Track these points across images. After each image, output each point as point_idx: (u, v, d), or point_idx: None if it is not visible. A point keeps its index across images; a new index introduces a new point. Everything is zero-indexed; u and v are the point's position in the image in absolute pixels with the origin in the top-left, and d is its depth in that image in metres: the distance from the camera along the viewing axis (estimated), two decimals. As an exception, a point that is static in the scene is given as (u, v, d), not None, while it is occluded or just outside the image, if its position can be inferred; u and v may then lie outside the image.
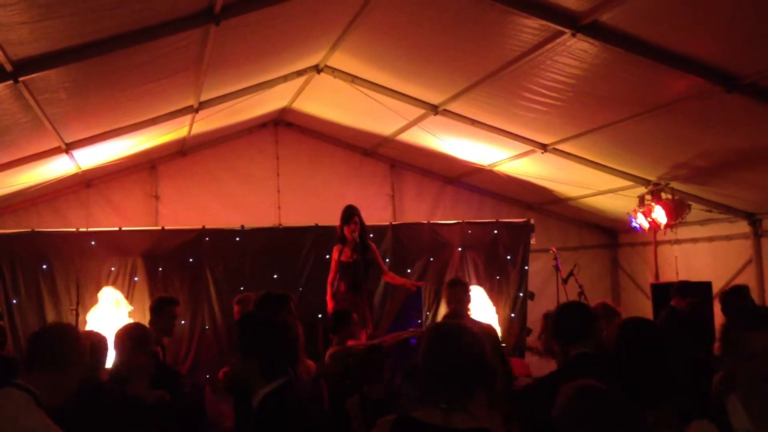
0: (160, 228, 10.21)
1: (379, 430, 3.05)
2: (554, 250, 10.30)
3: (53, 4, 4.60)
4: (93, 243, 9.61)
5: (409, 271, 10.65)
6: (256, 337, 3.66)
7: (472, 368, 2.99)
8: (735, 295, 7.38)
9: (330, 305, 8.66)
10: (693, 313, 7.67)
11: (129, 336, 5.01)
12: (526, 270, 11.03)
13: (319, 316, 9.68)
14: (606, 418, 3.16)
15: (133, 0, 5.08)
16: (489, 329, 6.71)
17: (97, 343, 5.07)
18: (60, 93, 6.21)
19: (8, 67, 5.17)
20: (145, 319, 9.25)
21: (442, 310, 9.19)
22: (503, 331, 10.58)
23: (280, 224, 10.82)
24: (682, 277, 9.89)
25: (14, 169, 7.90)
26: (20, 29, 4.76)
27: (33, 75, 5.43)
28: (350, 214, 8.62)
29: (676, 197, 9.16)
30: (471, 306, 7.76)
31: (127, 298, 9.57)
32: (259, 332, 3.69)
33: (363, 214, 8.69)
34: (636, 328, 4.22)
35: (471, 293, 7.45)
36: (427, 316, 10.36)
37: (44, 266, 9.42)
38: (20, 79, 5.34)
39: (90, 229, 9.79)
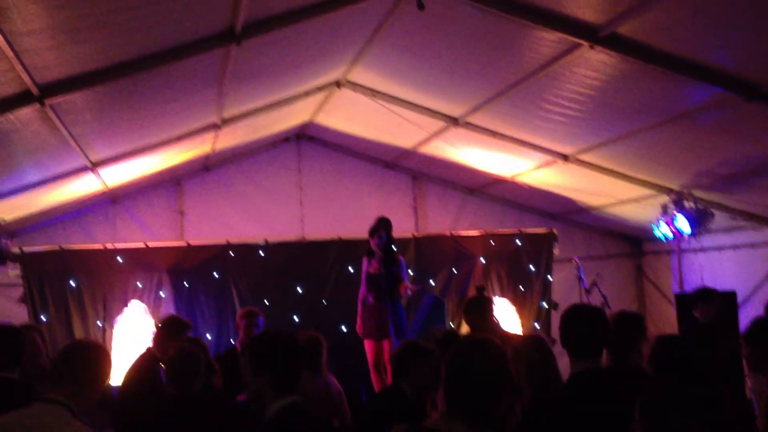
0: (185, 244, 10.30)
1: None
2: (576, 260, 10.27)
3: (78, 30, 4.72)
4: (119, 259, 9.73)
5: (432, 282, 10.68)
6: (269, 353, 3.63)
7: (491, 383, 3.03)
8: None
9: (359, 323, 8.73)
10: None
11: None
12: (550, 280, 11.00)
13: (343, 328, 9.77)
14: None
15: (155, 23, 5.18)
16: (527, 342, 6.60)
17: None
18: (85, 114, 6.33)
19: (35, 91, 5.29)
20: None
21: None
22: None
23: (304, 237, 10.88)
24: (708, 285, 9.82)
25: (42, 188, 8.04)
26: (46, 54, 4.88)
27: (59, 98, 5.55)
28: (376, 227, 8.66)
29: (699, 205, 9.12)
30: (497, 318, 7.75)
31: (153, 313, 9.66)
32: (272, 348, 3.67)
33: (386, 226, 8.74)
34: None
35: (493, 307, 7.38)
36: (450, 326, 10.37)
37: (72, 283, 9.54)
38: (46, 102, 5.46)
39: (116, 246, 9.91)
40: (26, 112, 5.60)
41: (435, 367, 5.02)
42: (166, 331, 6.62)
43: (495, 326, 7.26)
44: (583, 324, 4.05)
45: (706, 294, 8.30)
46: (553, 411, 3.86)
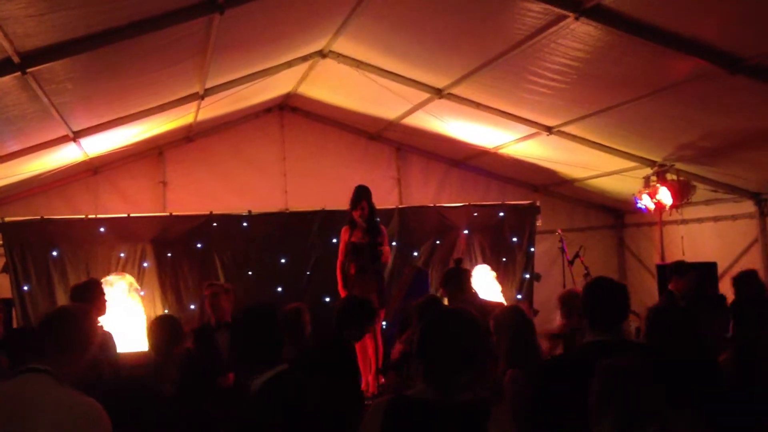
0: (168, 214, 10.26)
1: (374, 412, 3.13)
2: (560, 231, 10.33)
3: (59, -3, 4.66)
4: (102, 229, 9.67)
5: (415, 254, 10.70)
6: (256, 326, 3.67)
7: (464, 351, 3.08)
8: (744, 281, 7.22)
9: (342, 294, 8.75)
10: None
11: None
12: (533, 252, 11.05)
13: (326, 299, 9.79)
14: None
15: (138, -9, 5.13)
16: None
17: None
18: (67, 83, 6.26)
19: (16, 59, 5.23)
20: (155, 305, 9.43)
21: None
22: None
23: (287, 209, 10.85)
24: (689, 256, 9.92)
25: (23, 157, 7.97)
26: (27, 22, 4.81)
27: (40, 66, 5.49)
28: (359, 197, 8.67)
29: (681, 178, 9.18)
30: (474, 287, 7.83)
31: (137, 284, 9.63)
32: (257, 321, 3.70)
33: (369, 198, 8.76)
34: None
35: (470, 278, 7.47)
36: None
37: (54, 253, 9.48)
38: (28, 70, 5.41)
39: (99, 216, 9.86)
40: (7, 81, 5.53)
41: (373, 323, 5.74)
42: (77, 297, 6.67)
43: (473, 297, 7.36)
44: (606, 296, 4.05)
45: (680, 268, 8.39)
46: (565, 375, 3.84)
